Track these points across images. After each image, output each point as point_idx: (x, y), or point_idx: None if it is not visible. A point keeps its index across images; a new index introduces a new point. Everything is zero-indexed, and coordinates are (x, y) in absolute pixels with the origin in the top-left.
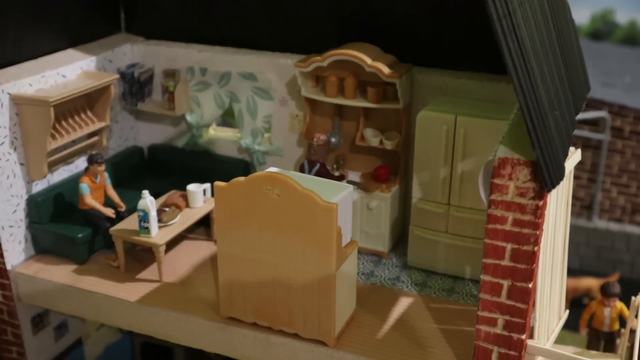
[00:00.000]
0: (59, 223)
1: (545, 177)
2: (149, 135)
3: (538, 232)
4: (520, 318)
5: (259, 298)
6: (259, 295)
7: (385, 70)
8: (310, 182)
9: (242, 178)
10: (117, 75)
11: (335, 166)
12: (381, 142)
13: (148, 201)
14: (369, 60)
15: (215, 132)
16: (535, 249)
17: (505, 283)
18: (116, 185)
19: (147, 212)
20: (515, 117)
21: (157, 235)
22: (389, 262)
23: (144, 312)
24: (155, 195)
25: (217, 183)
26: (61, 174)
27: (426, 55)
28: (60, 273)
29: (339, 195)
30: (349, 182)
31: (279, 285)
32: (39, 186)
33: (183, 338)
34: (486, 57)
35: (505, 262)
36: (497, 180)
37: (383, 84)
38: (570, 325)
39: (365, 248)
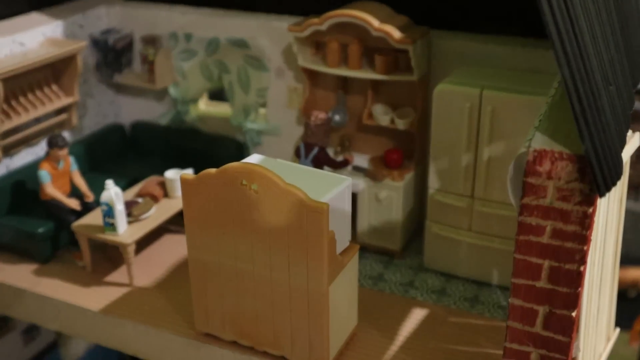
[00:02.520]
0: (18, 216)
1: (597, 176)
2: (131, 111)
3: (585, 248)
4: (560, 353)
5: (239, 313)
6: (239, 310)
7: (396, 34)
8: (301, 174)
9: (212, 170)
10: (84, 43)
11: (339, 149)
12: (392, 121)
13: (112, 193)
14: (376, 23)
15: (207, 108)
16: (582, 268)
17: (541, 309)
18: (92, 169)
19: (112, 206)
20: (557, 94)
21: (126, 232)
22: (402, 263)
23: (109, 323)
24: (135, 181)
25: (184, 175)
26: (23, 158)
27: (447, 16)
28: (18, 274)
29: (334, 190)
30: (355, 168)
31: (261, 299)
32: None
33: (153, 354)
34: (520, 16)
35: (542, 284)
36: (531, 180)
37: (394, 51)
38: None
39: (374, 245)
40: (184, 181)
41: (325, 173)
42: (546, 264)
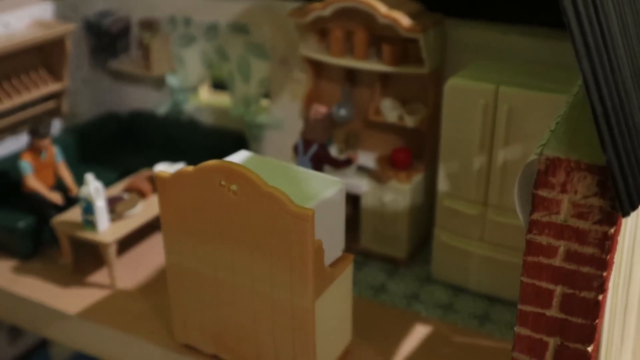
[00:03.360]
0: None
1: (621, 192)
2: (130, 99)
3: (605, 274)
4: None
5: (219, 326)
6: (219, 322)
7: (405, 21)
8: (290, 175)
9: (189, 168)
10: (72, 25)
11: (343, 145)
12: (401, 118)
13: (91, 188)
14: (383, 9)
15: (207, 98)
16: (600, 296)
17: (552, 342)
18: (83, 160)
19: (91, 202)
20: (579, 93)
21: (106, 230)
22: (407, 273)
23: (86, 328)
24: (128, 173)
25: (159, 172)
26: (7, 147)
27: (464, 3)
28: None
29: (325, 194)
30: (359, 167)
31: (242, 312)
32: None
33: None
34: (546, 4)
35: (553, 313)
36: (542, 192)
37: (403, 40)
38: None
39: (378, 252)
40: (159, 178)
41: (318, 175)
42: (558, 289)
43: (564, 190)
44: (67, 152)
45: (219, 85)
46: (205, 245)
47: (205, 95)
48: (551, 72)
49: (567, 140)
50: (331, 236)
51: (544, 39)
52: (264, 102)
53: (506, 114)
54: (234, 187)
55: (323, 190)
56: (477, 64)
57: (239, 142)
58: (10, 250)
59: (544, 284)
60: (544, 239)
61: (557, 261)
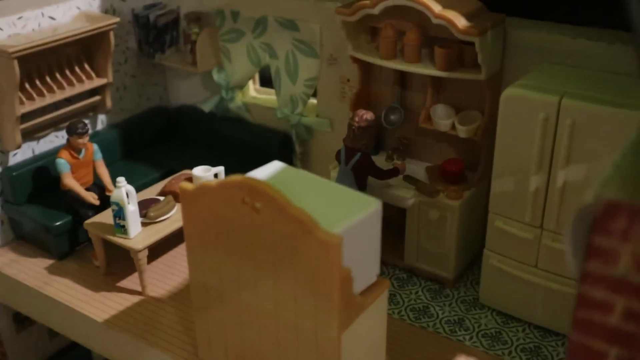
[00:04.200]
0: (37, 205)
1: None
2: (178, 93)
3: None
4: None
5: (242, 348)
6: (243, 344)
7: (460, 22)
8: (322, 192)
9: (212, 182)
10: (117, 19)
11: (391, 152)
12: (454, 127)
13: (124, 192)
14: (436, 8)
15: (254, 95)
16: None
17: None
18: (127, 157)
19: (123, 207)
20: None
21: (138, 236)
22: (453, 295)
23: (112, 337)
24: (171, 172)
25: (183, 184)
26: (52, 142)
27: (527, 1)
28: (32, 269)
29: (358, 215)
30: (406, 178)
31: (266, 337)
32: (18, 157)
33: None
34: (622, 3)
35: None
36: (599, 240)
37: (458, 42)
38: None
39: (423, 270)
40: (182, 191)
41: (353, 193)
42: (613, 353)
43: (625, 239)
44: (111, 148)
45: (267, 81)
46: (228, 263)
47: (252, 92)
48: (626, 84)
49: (634, 179)
50: (363, 261)
51: (620, 45)
52: (312, 103)
53: (569, 130)
54: (257, 204)
55: (357, 210)
56: (539, 70)
57: (285, 143)
58: (46, 249)
59: (596, 345)
60: (598, 293)
61: (612, 319)
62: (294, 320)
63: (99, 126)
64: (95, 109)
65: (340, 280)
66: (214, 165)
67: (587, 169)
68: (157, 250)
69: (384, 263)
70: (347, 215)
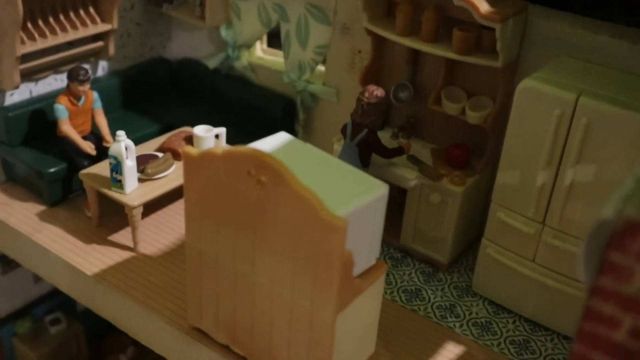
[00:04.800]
0: (32, 149)
1: None
2: (183, 45)
3: None
4: None
5: (234, 319)
6: (234, 315)
7: (483, 7)
8: (329, 171)
9: (218, 149)
10: None
11: (397, 130)
12: (463, 112)
13: (123, 146)
14: None
15: (261, 56)
16: None
17: None
18: (126, 106)
19: (121, 161)
20: None
21: (134, 192)
22: (446, 280)
23: (99, 290)
24: (169, 128)
25: (187, 148)
26: (50, 84)
27: None
28: (22, 214)
29: (364, 199)
30: (410, 158)
31: (259, 311)
32: (15, 97)
33: (143, 337)
34: None
35: None
36: (615, 257)
37: (478, 27)
38: None
39: (418, 252)
40: (186, 156)
41: (361, 174)
42: None
43: None
44: (110, 96)
45: (276, 42)
46: (226, 233)
47: (259, 52)
48: None
49: None
50: (365, 244)
51: None
52: (321, 68)
53: (583, 129)
54: (263, 178)
55: (363, 193)
56: (558, 63)
57: (288, 108)
58: (39, 195)
59: (598, 359)
60: (607, 308)
61: (618, 335)
62: (289, 297)
63: (100, 72)
64: (97, 55)
65: (341, 263)
66: (214, 124)
67: (597, 171)
68: (152, 206)
69: None
70: (353, 198)
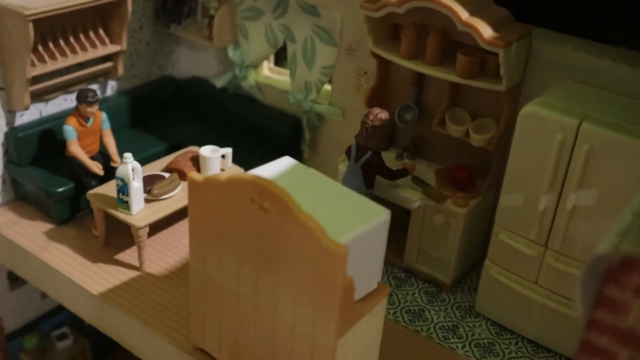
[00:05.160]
0: (41, 169)
1: None
2: (191, 65)
3: None
4: None
5: (237, 341)
6: (237, 337)
7: (486, 32)
8: (331, 196)
9: (222, 175)
10: None
11: (401, 151)
12: (467, 133)
13: (129, 168)
14: (464, 14)
15: (268, 75)
16: None
17: None
18: (134, 125)
19: (127, 183)
20: None
21: (140, 212)
22: (449, 300)
23: (106, 311)
24: (177, 147)
25: (192, 174)
26: (60, 104)
27: (556, 14)
28: (30, 233)
29: (366, 225)
30: (414, 179)
31: (262, 334)
32: (25, 118)
33: (148, 356)
34: None
35: None
36: (611, 291)
37: (482, 51)
38: None
39: (422, 272)
40: (191, 181)
41: (363, 200)
42: None
43: (638, 295)
44: (119, 115)
45: (284, 58)
46: (230, 257)
47: (266, 71)
48: None
49: None
50: (367, 269)
51: None
52: (326, 89)
53: (585, 155)
54: (266, 205)
55: (365, 220)
56: (561, 86)
57: (295, 127)
58: (47, 214)
59: None
60: (603, 341)
61: None
62: (291, 322)
63: (109, 92)
64: (106, 75)
65: (342, 289)
66: (221, 143)
67: (600, 196)
68: (159, 225)
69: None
70: (355, 224)
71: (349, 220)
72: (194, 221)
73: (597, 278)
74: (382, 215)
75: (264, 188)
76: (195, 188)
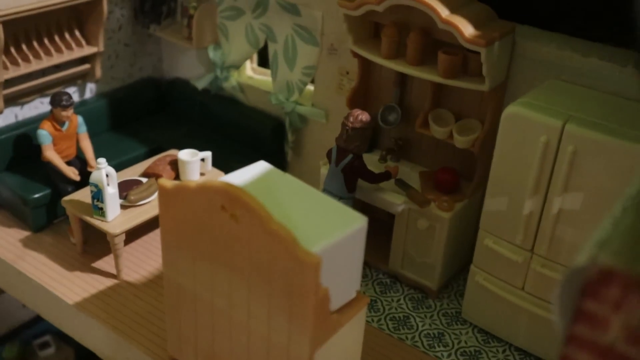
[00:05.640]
0: (17, 175)
1: None
2: (173, 66)
3: None
4: None
5: (212, 351)
6: (212, 347)
7: (467, 30)
8: (306, 203)
9: (192, 183)
10: None
11: (385, 153)
12: (451, 135)
13: (103, 173)
14: (444, 12)
15: (250, 76)
16: None
17: None
18: (114, 128)
19: (102, 189)
20: None
21: (116, 219)
22: (435, 306)
23: (82, 321)
24: (157, 150)
25: (162, 181)
26: (37, 107)
27: (541, 11)
28: (6, 240)
29: (341, 233)
30: (398, 182)
31: (237, 345)
32: (0, 122)
33: None
34: None
35: None
36: (589, 305)
37: (463, 49)
38: None
39: (407, 278)
40: (161, 188)
41: (339, 207)
42: None
43: (616, 309)
44: (98, 118)
45: (265, 61)
46: (202, 267)
47: (249, 71)
48: (637, 112)
49: (634, 242)
50: (344, 278)
51: (633, 68)
52: (310, 88)
53: (570, 157)
54: (237, 213)
55: (341, 227)
56: (545, 86)
57: (277, 129)
58: (24, 220)
59: None
60: (583, 357)
61: None
62: (266, 333)
63: (87, 94)
64: (84, 77)
65: (316, 300)
66: (202, 145)
67: (586, 199)
68: (136, 231)
69: (367, 265)
70: (330, 232)
71: (324, 228)
72: (166, 229)
73: (575, 291)
74: (358, 222)
75: (235, 196)
76: (165, 195)
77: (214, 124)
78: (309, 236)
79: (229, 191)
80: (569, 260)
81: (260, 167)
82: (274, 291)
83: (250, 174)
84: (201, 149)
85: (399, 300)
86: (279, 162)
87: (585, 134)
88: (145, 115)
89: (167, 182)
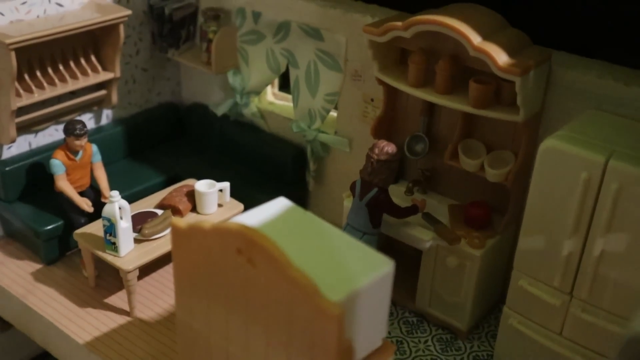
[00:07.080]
0: (29, 205)
1: None
2: (192, 91)
3: None
4: None
5: None
6: None
7: (501, 59)
8: (329, 245)
9: (206, 224)
10: (128, 12)
11: (411, 185)
12: (482, 167)
13: (116, 207)
14: (476, 39)
15: (271, 102)
16: None
17: None
18: (131, 155)
19: (114, 223)
20: None
21: (129, 254)
22: (466, 348)
23: None
24: (175, 179)
25: (175, 220)
26: (51, 135)
27: (579, 37)
28: (17, 274)
29: (366, 279)
30: (425, 216)
31: None
32: (13, 150)
33: None
34: None
35: None
36: None
37: (496, 78)
38: None
39: (435, 317)
40: (174, 228)
41: (364, 249)
42: None
43: None
44: (115, 145)
45: (287, 85)
46: (217, 312)
47: (270, 96)
48: None
49: None
50: (369, 326)
51: None
52: (331, 116)
53: (614, 195)
54: (253, 257)
55: (366, 272)
56: (585, 117)
57: (299, 157)
58: (35, 252)
59: None
60: None
61: None
62: None
63: (104, 121)
64: (100, 104)
65: (339, 352)
66: (221, 175)
67: (632, 240)
68: (151, 266)
69: (393, 302)
70: (354, 278)
71: (348, 274)
72: (179, 271)
73: (634, 356)
74: (384, 267)
75: (251, 239)
76: (178, 235)
77: (233, 151)
78: (331, 283)
79: (245, 234)
80: (613, 306)
81: (280, 204)
82: (294, 341)
83: (268, 213)
84: (220, 177)
85: (426, 341)
86: (300, 191)
87: (631, 170)
88: (163, 142)
89: (180, 221)
